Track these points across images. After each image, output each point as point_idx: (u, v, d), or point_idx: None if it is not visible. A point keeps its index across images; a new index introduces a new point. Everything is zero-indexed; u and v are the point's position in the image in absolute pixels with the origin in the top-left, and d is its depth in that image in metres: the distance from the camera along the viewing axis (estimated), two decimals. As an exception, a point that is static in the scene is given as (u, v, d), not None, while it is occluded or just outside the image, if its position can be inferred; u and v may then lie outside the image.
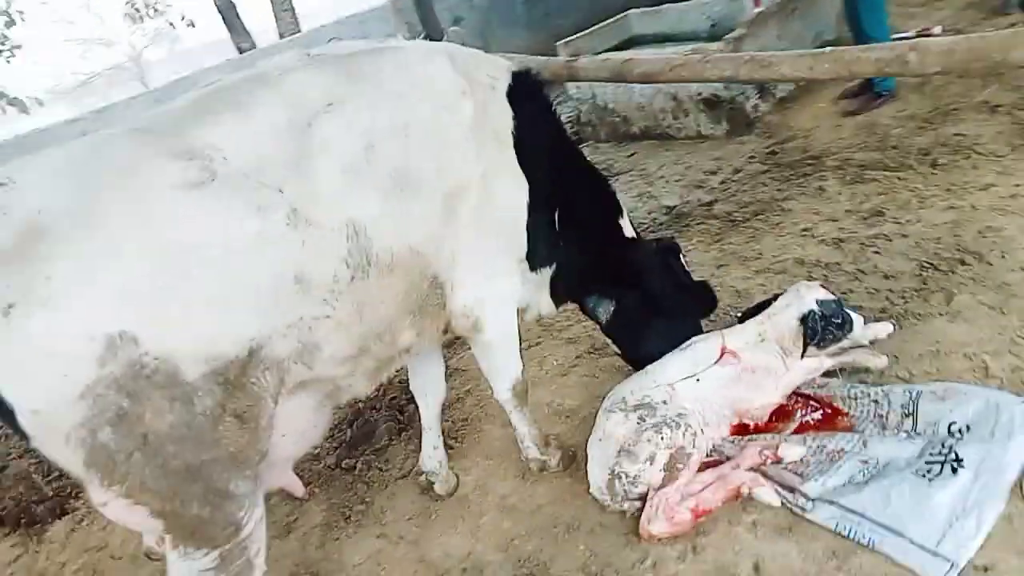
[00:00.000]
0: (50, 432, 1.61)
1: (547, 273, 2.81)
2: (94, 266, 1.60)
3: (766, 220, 4.42)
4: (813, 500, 2.40)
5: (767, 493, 2.47)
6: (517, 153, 2.48)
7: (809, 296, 2.73)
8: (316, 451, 3.67)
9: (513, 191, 2.49)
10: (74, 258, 1.59)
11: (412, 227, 2.14)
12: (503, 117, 2.48)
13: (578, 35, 6.82)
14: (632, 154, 6.45)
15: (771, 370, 2.75)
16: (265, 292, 1.82)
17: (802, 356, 2.72)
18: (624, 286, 2.92)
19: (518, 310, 2.84)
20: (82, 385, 1.57)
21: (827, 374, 2.88)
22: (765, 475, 2.56)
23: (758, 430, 2.80)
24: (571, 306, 3.22)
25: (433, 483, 3.07)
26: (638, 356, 3.01)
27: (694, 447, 2.59)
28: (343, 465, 3.52)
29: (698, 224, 4.75)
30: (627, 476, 2.56)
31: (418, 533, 2.94)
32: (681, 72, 2.96)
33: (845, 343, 2.85)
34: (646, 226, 5.03)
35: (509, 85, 2.54)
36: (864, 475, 2.41)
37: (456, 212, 2.29)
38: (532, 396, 3.52)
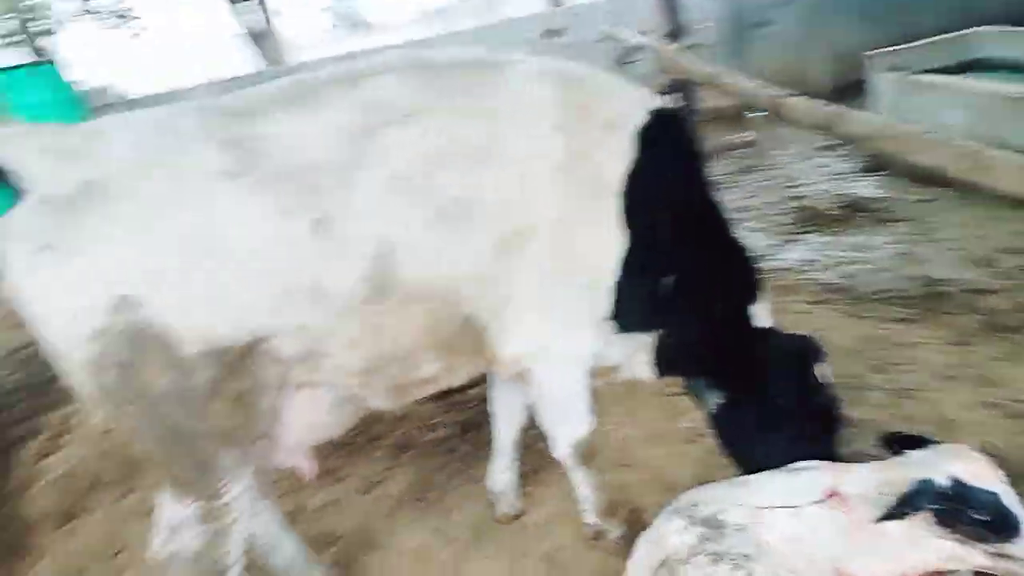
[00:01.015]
0: (66, 363, 1.81)
1: (644, 338, 2.46)
2: (122, 232, 1.73)
3: (1039, 338, 3.39)
4: None
5: None
6: (626, 203, 2.15)
7: (948, 466, 2.01)
8: (435, 420, 3.76)
9: (600, 245, 2.17)
10: (109, 221, 1.73)
11: (450, 262, 1.97)
12: (617, 160, 2.15)
13: (899, 47, 5.72)
14: (923, 201, 5.36)
15: (888, 537, 2.12)
16: (276, 293, 1.82)
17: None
18: (737, 382, 2.45)
19: (612, 368, 2.54)
20: (90, 330, 1.73)
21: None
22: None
23: (860, 608, 2.20)
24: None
25: (495, 504, 2.95)
26: (742, 465, 2.52)
27: (749, 598, 2.13)
28: (449, 446, 3.55)
29: (951, 313, 3.81)
30: (661, 593, 2.20)
31: (463, 545, 2.88)
32: (889, 144, 2.30)
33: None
34: (892, 294, 4.17)
35: (643, 126, 2.19)
36: None
37: (514, 255, 2.06)
38: (647, 451, 3.21)
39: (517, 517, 2.97)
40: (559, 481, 3.14)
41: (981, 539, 2.03)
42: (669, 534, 2.30)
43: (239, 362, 1.84)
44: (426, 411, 3.90)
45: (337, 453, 3.71)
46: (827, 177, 6.26)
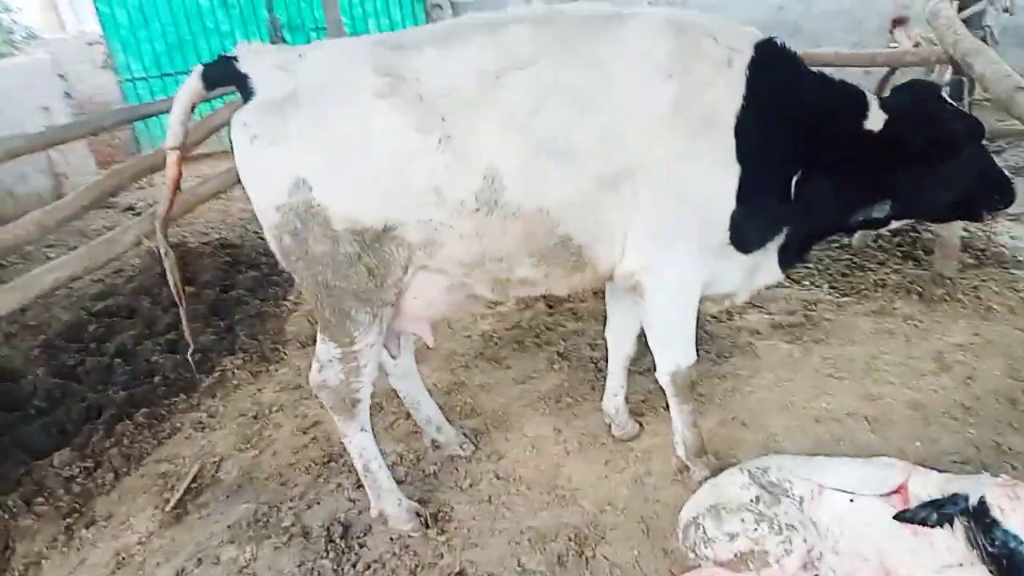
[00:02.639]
0: (264, 224, 2.43)
1: (772, 247, 2.59)
2: (303, 131, 2.26)
3: None
4: None
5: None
6: (739, 136, 2.29)
7: (984, 492, 1.90)
8: (599, 341, 4.04)
9: (711, 180, 2.33)
10: (298, 122, 2.26)
11: (547, 192, 2.25)
12: (729, 98, 2.28)
13: None
14: None
15: (935, 547, 2.04)
16: (407, 191, 2.26)
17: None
18: (889, 180, 2.50)
19: (723, 295, 2.70)
20: (277, 202, 2.33)
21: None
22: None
23: (898, 611, 2.15)
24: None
25: (609, 425, 3.22)
26: (942, 213, 2.83)
27: (778, 563, 2.20)
28: (601, 365, 3.83)
29: None
30: (704, 532, 2.36)
31: (571, 447, 3.22)
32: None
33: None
34: None
35: (751, 59, 2.30)
36: None
37: (619, 191, 2.29)
38: (773, 418, 3.22)
39: (629, 440, 3.20)
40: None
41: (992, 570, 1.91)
42: (730, 485, 2.44)
43: (375, 241, 2.34)
44: (596, 330, 4.20)
45: (511, 347, 4.22)
46: None
